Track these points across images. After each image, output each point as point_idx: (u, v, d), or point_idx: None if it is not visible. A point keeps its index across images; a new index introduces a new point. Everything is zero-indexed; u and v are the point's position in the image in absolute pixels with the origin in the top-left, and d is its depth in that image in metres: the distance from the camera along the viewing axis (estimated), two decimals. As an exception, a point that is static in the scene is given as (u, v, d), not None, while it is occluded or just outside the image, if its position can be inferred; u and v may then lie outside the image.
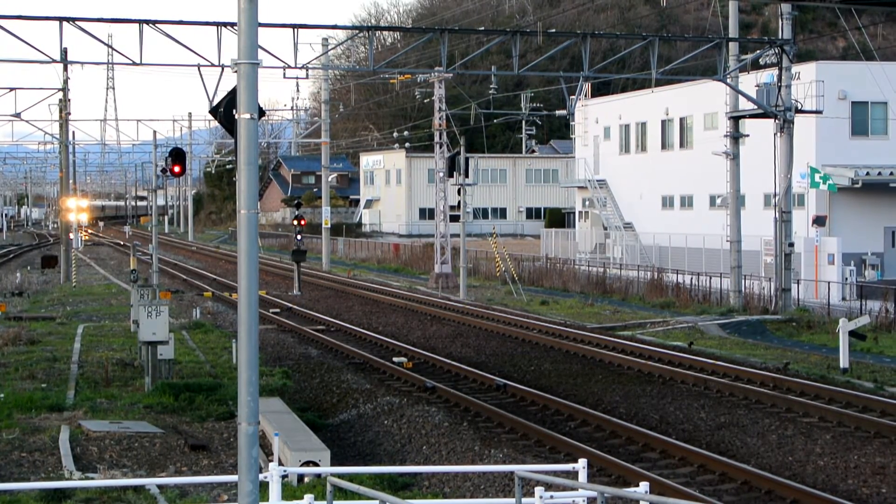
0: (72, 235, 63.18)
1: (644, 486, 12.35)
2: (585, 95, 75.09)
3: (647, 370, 29.17)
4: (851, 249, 51.23)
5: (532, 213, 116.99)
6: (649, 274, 53.19)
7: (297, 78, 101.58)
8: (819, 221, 50.69)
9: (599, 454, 19.33)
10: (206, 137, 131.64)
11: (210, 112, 18.63)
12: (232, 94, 12.25)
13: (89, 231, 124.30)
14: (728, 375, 27.83)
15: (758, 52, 45.21)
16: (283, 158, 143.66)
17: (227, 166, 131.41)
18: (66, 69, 60.79)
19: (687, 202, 65.14)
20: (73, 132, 72.57)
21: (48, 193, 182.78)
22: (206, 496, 16.88)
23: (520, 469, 13.47)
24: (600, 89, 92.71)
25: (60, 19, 34.73)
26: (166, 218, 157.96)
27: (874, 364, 30.15)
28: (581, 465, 13.26)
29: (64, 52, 36.31)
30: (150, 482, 16.73)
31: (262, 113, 11.24)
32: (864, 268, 52.67)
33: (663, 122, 67.44)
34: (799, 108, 43.05)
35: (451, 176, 54.14)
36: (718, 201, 57.35)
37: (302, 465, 17.74)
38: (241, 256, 9.96)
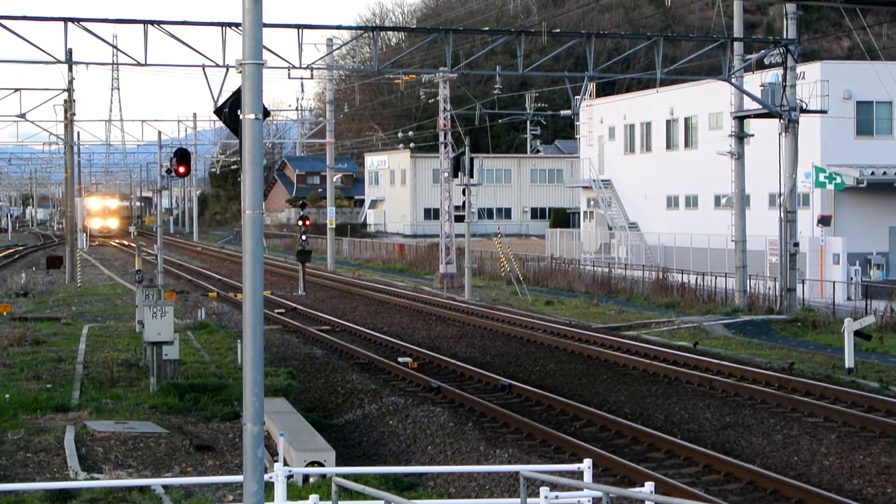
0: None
1: (649, 486, 12.35)
2: (590, 95, 75.10)
3: (652, 370, 29.15)
4: (856, 249, 51.15)
5: (537, 214, 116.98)
6: (654, 274, 53.16)
7: (301, 78, 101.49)
8: (824, 221, 50.61)
9: (604, 454, 19.32)
10: (211, 138, 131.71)
11: (215, 112, 18.64)
12: (237, 95, 12.25)
13: (119, 242, 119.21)
14: (733, 375, 27.80)
15: (762, 51, 45.19)
16: (287, 159, 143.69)
17: (232, 167, 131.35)
18: (70, 70, 60.83)
19: (692, 202, 65.09)
20: (78, 133, 72.40)
21: (53, 194, 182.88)
22: (211, 496, 16.89)
23: (525, 469, 13.47)
24: (605, 89, 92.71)
25: (65, 20, 34.73)
26: (171, 218, 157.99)
27: (879, 364, 30.12)
28: (586, 465, 13.26)
29: (69, 52, 36.28)
30: (155, 482, 16.73)
31: (266, 113, 11.24)
32: (870, 267, 52.61)
33: (668, 121, 67.39)
34: (804, 107, 42.98)
35: (455, 176, 54.13)
36: (723, 201, 57.30)
37: (307, 466, 17.75)
38: (246, 257, 9.96)
